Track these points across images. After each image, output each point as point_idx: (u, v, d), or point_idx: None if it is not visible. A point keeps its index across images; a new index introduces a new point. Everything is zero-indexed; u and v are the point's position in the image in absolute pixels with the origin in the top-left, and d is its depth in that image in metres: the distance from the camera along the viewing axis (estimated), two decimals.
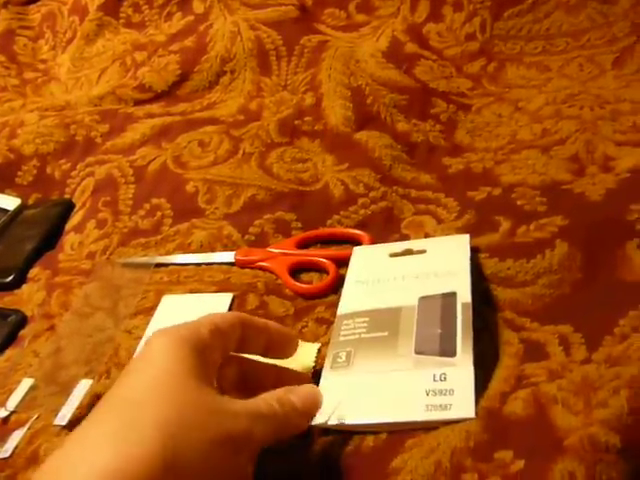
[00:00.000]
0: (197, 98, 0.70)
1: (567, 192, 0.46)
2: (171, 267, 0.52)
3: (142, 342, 0.45)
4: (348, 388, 0.36)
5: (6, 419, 0.43)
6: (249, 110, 0.65)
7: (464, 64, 0.64)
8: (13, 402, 0.43)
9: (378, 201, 0.53)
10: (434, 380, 0.34)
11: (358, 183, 0.54)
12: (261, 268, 0.50)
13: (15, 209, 0.65)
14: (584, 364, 0.34)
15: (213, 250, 0.53)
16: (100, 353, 0.45)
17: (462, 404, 0.33)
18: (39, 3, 0.89)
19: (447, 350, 0.36)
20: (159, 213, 0.57)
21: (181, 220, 0.56)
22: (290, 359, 0.39)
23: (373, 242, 0.48)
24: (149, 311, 0.47)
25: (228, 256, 0.51)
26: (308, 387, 0.35)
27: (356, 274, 0.45)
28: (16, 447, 0.40)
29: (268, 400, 0.32)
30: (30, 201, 0.66)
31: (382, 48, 0.65)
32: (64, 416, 0.40)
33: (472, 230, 0.46)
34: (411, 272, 0.43)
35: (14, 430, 0.41)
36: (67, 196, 0.65)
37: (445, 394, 0.33)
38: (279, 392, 0.33)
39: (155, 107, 0.70)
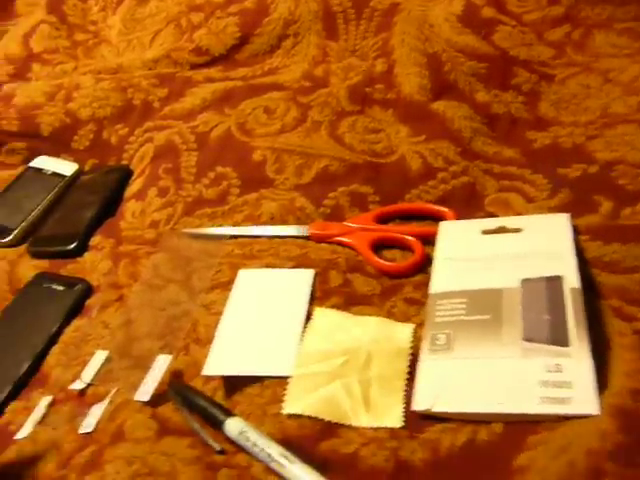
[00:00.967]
0: (257, 63, 0.67)
1: None
2: (240, 239, 0.50)
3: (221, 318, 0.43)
4: (451, 373, 0.34)
5: (83, 391, 0.41)
6: (314, 76, 0.62)
7: (545, 30, 0.60)
8: (89, 374, 0.42)
9: (459, 176, 0.50)
10: (548, 371, 0.32)
11: (437, 156, 0.52)
12: (339, 243, 0.48)
13: (72, 174, 0.63)
14: None
15: (285, 223, 0.51)
16: (176, 328, 0.44)
17: (584, 398, 0.31)
18: None
19: (559, 339, 0.34)
20: (225, 182, 0.55)
21: (249, 190, 0.54)
22: (385, 340, 0.37)
23: (457, 219, 0.46)
24: (226, 285, 0.46)
25: (299, 230, 0.49)
26: None
27: (445, 251, 0.42)
28: (98, 422, 0.38)
29: None
30: (86, 167, 0.65)
31: (456, 12, 0.61)
32: (147, 392, 0.39)
33: (568, 210, 0.43)
34: (507, 252, 0.40)
35: (92, 404, 0.40)
36: (125, 162, 0.63)
37: (562, 387, 0.32)
38: None
39: (213, 71, 0.67)
